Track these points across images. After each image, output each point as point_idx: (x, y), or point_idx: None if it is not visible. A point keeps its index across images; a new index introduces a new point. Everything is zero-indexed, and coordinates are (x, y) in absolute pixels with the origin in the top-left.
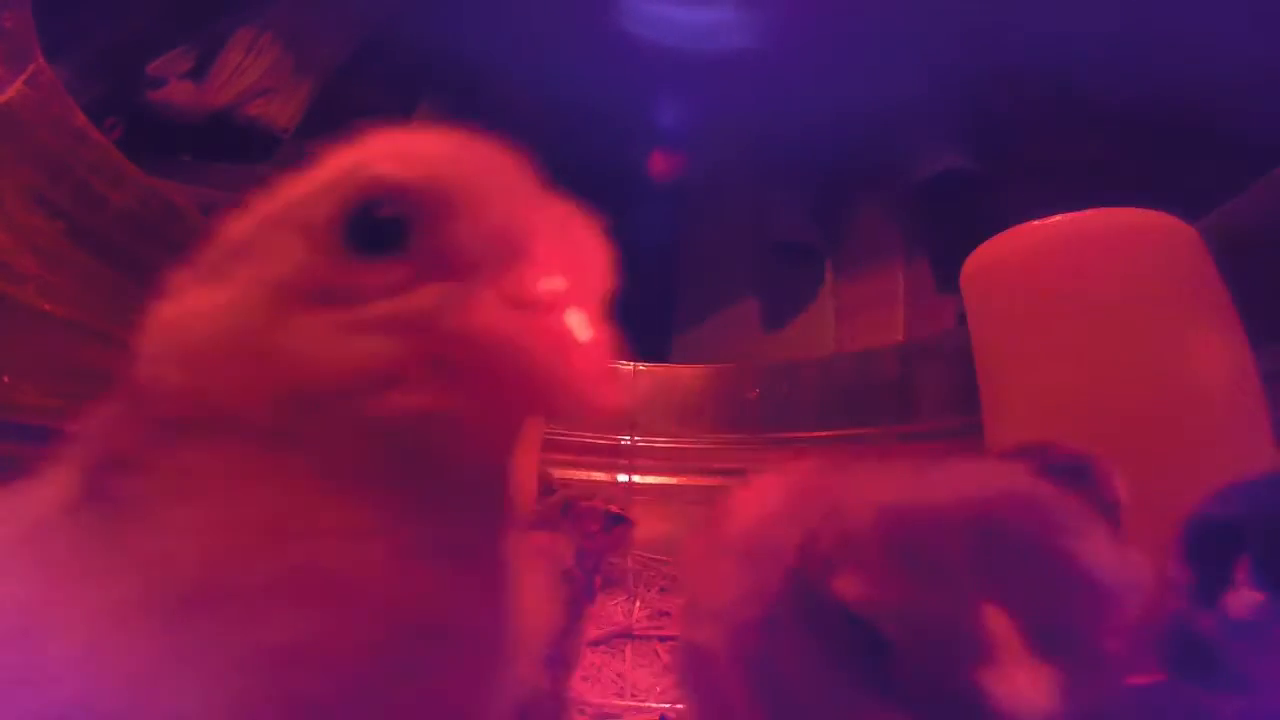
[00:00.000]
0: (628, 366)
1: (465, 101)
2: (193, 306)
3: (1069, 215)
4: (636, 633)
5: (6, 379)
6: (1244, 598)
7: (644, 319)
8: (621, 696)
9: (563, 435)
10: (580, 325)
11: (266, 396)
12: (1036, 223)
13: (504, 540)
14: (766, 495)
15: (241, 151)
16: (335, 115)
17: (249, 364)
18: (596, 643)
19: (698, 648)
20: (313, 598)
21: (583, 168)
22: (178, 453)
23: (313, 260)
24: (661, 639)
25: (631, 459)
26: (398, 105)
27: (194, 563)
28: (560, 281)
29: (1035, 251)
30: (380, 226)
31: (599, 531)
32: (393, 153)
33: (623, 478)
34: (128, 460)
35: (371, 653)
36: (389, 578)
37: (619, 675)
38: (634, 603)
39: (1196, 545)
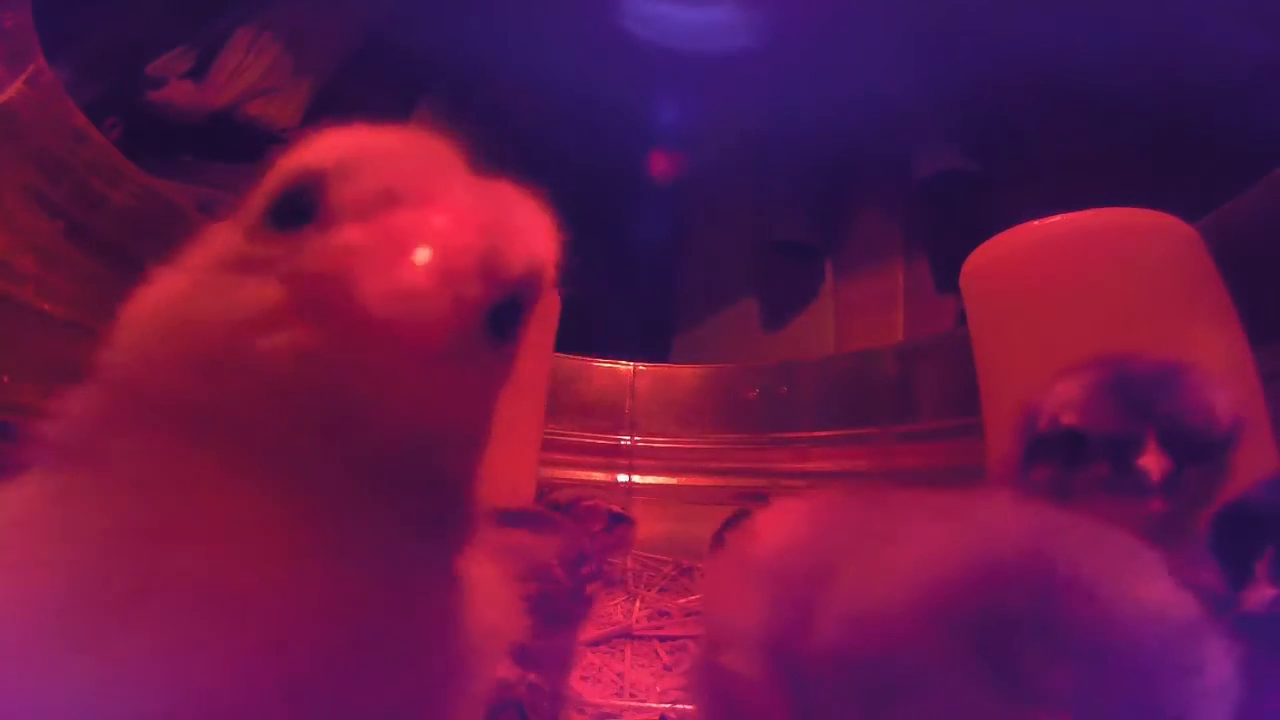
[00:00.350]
0: (628, 367)
1: (465, 101)
2: (143, 295)
3: (1069, 215)
4: (636, 633)
5: (6, 379)
6: (1260, 592)
7: (644, 319)
8: (621, 696)
9: (562, 435)
10: (420, 256)
11: (184, 366)
12: (1036, 223)
13: (431, 526)
14: (790, 521)
15: (241, 151)
16: (335, 115)
17: (171, 336)
18: (596, 643)
19: (720, 670)
20: (230, 594)
21: (583, 168)
22: (124, 442)
23: (237, 239)
24: (661, 639)
25: (631, 459)
26: (398, 105)
27: (129, 560)
28: (424, 222)
29: (1035, 251)
30: (295, 206)
31: (602, 531)
32: (316, 144)
33: (623, 478)
34: (81, 451)
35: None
36: (309, 572)
37: (619, 675)
38: (634, 603)
39: (1220, 537)
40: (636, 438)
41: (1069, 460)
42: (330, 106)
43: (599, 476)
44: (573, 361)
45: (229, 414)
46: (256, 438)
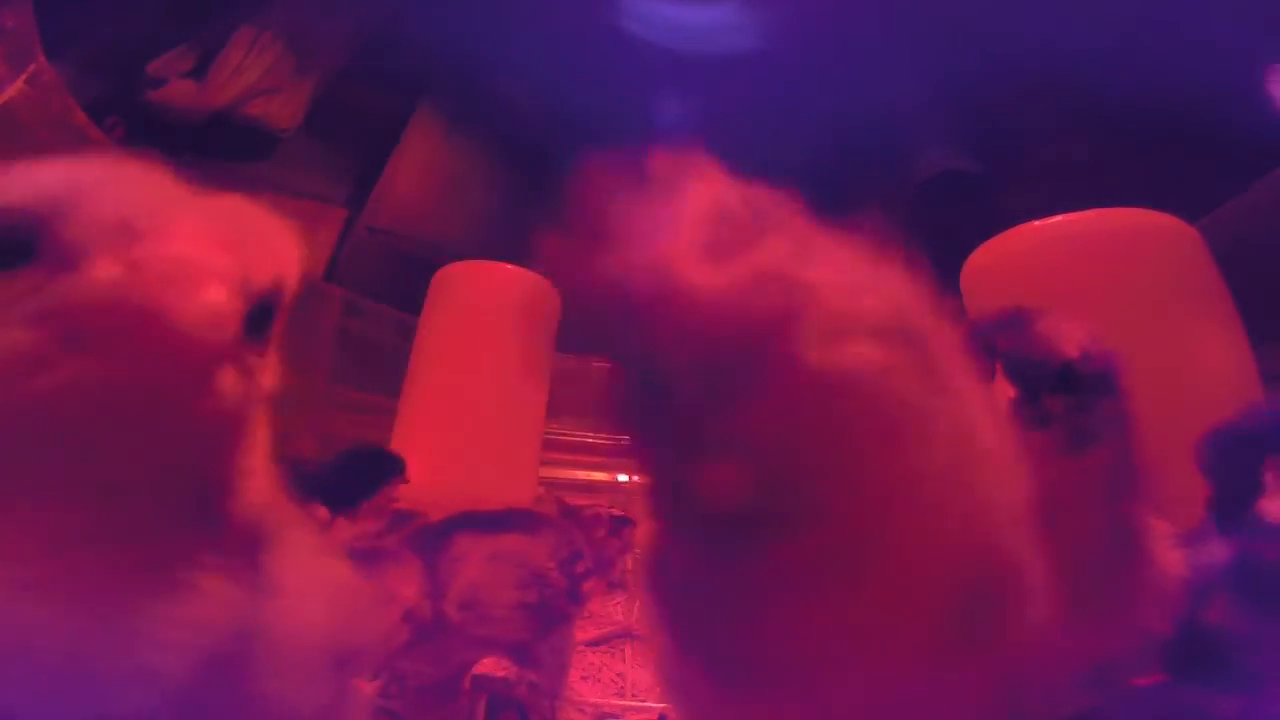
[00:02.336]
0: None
1: (466, 101)
2: None
3: (1069, 215)
4: (636, 633)
5: None
6: (1276, 502)
7: None
8: (621, 696)
9: (563, 435)
10: (190, 275)
11: None
12: (1036, 223)
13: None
14: None
15: (242, 150)
16: (336, 115)
17: None
18: (596, 642)
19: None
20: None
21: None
22: None
23: None
24: None
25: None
26: (399, 105)
27: None
28: (178, 249)
29: (1035, 251)
30: (10, 246)
31: (606, 535)
32: (13, 184)
33: (623, 477)
34: None
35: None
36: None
37: (619, 675)
38: (634, 603)
39: (1219, 459)
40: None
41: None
42: (331, 106)
43: (599, 476)
44: (573, 361)
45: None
46: (40, 475)
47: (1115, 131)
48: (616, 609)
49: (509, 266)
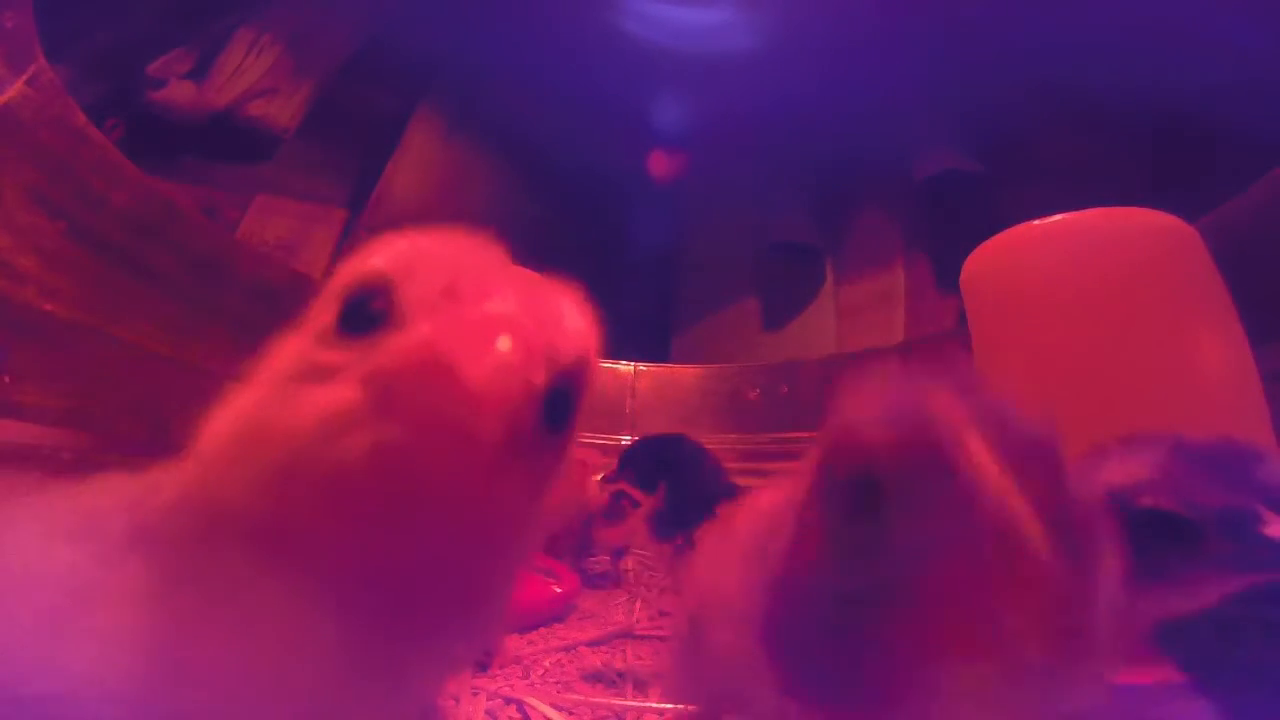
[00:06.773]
0: (628, 367)
1: (466, 102)
2: (219, 410)
3: (1069, 215)
4: (636, 633)
5: (7, 379)
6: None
7: (644, 319)
8: (622, 696)
9: None
10: (496, 346)
11: (258, 477)
12: (1036, 223)
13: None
14: (766, 501)
15: (242, 152)
16: (337, 115)
17: (246, 448)
18: (596, 643)
19: (710, 649)
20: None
21: (583, 168)
22: (190, 549)
23: (309, 348)
24: (661, 639)
25: None
26: (399, 106)
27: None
28: (492, 312)
29: (1035, 251)
30: (365, 311)
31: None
32: (378, 249)
33: None
34: (150, 540)
35: None
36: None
37: (619, 675)
38: (634, 603)
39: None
40: (636, 438)
41: (1169, 542)
42: (331, 107)
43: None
44: None
45: (299, 529)
46: (323, 552)
47: (1115, 131)
48: (617, 609)
49: None
